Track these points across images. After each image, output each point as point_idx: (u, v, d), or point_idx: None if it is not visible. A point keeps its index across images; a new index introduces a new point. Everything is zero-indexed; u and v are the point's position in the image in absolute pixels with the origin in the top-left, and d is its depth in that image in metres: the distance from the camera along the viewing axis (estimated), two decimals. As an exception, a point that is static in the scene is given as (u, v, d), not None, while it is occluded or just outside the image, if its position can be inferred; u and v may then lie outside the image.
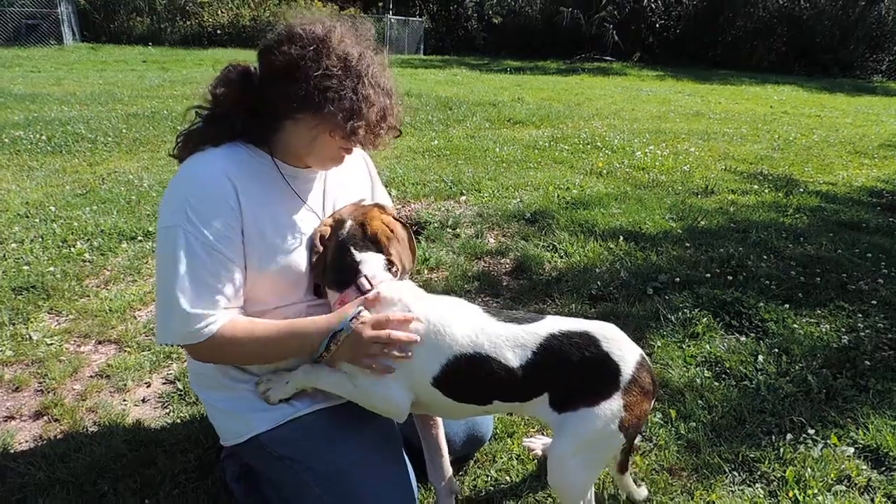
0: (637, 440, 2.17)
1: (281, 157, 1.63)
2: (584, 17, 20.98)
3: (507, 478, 2.02)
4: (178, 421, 2.25)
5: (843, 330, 2.92)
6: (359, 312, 1.51)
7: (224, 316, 1.50)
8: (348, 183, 1.83)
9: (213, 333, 1.47)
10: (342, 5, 13.73)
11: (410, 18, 22.70)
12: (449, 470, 1.84)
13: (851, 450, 2.14)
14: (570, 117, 8.88)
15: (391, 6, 23.04)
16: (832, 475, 2.02)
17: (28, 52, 15.14)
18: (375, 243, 1.64)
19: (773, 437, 2.20)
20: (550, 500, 1.92)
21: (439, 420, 1.85)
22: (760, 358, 2.65)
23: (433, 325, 1.55)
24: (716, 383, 2.50)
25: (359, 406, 1.61)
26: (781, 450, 2.12)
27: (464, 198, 4.87)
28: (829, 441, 2.17)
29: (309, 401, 1.65)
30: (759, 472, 2.05)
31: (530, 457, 2.09)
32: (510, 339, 1.54)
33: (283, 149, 1.62)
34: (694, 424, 2.26)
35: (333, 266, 1.62)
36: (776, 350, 2.71)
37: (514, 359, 1.53)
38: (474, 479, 2.01)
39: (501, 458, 2.09)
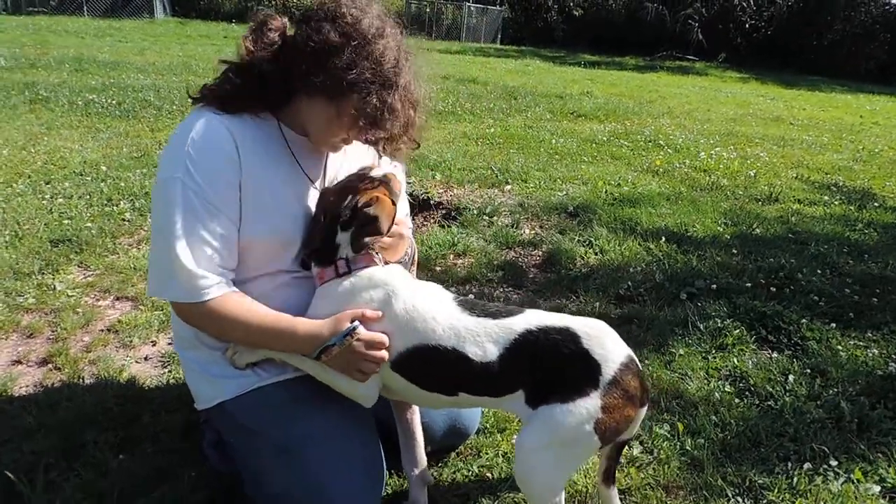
0: (636, 450, 2.03)
1: (287, 124, 1.60)
2: (669, 13, 20.24)
3: (489, 475, 1.92)
4: (174, 381, 2.26)
5: (894, 357, 2.65)
6: (354, 328, 1.45)
7: (224, 284, 1.46)
8: (351, 153, 1.76)
9: (211, 298, 1.43)
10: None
11: (490, 7, 22.50)
12: (423, 458, 1.76)
13: (877, 488, 1.92)
14: (638, 114, 8.56)
15: (472, -7, 22.90)
16: (849, 513, 1.82)
17: (120, 24, 15.92)
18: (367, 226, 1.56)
19: (789, 465, 2.00)
20: (530, 504, 1.81)
21: (415, 406, 1.77)
22: (791, 378, 2.43)
23: (407, 314, 1.50)
24: (736, 400, 2.31)
25: (325, 381, 1.56)
26: (795, 479, 1.93)
27: (508, 187, 4.74)
28: (852, 475, 1.95)
29: (277, 370, 1.60)
30: (765, 501, 1.87)
31: (518, 456, 1.98)
32: (479, 334, 1.46)
33: (292, 117, 1.59)
34: (702, 441, 2.08)
35: (321, 238, 1.56)
36: (810, 371, 2.49)
37: (480, 353, 1.45)
38: (454, 473, 1.92)
39: (487, 453, 1.99)
